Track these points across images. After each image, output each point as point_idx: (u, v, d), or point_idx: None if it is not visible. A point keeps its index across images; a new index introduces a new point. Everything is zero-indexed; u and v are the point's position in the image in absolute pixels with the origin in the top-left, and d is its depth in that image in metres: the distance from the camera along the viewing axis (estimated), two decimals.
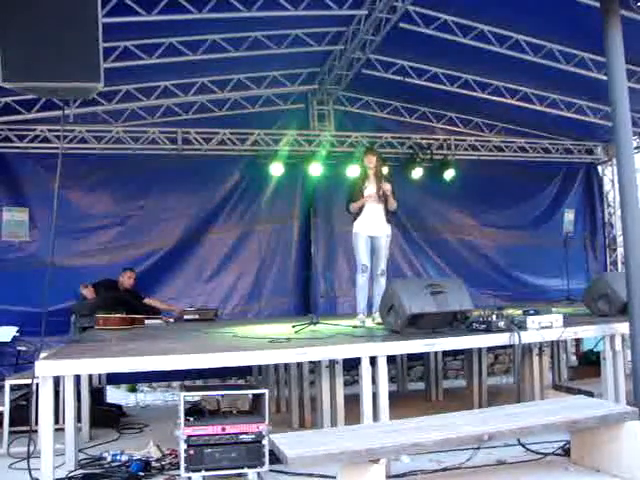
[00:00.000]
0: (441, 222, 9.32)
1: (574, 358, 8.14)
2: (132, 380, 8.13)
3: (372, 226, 6.14)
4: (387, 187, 6.11)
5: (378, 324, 5.59)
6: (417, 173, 8.90)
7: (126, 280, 7.50)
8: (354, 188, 6.29)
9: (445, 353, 7.52)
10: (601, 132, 9.30)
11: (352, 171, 8.19)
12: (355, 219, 6.19)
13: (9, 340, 6.87)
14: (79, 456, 4.77)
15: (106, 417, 6.23)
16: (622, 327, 4.98)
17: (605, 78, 4.90)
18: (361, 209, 6.14)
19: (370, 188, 6.17)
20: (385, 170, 6.49)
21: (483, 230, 9.47)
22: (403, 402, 6.80)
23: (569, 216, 9.89)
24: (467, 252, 9.39)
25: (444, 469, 4.30)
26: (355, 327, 5.78)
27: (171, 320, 7.35)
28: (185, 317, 7.33)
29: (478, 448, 4.25)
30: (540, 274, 9.53)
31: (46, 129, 7.58)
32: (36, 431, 4.27)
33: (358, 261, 6.17)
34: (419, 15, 6.58)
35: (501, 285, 9.32)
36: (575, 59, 7.22)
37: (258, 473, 4.16)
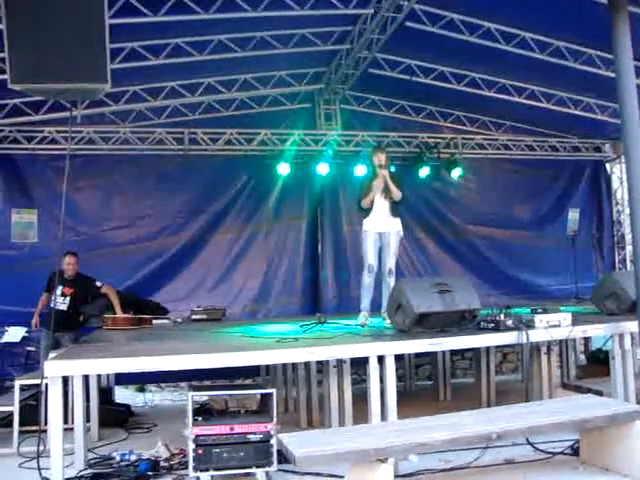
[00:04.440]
0: (446, 221, 9.27)
1: (583, 357, 8.10)
2: (140, 380, 8.12)
3: (380, 223, 6.08)
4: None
5: (390, 324, 5.57)
6: (424, 172, 8.87)
7: (65, 267, 6.67)
8: (363, 187, 6.20)
9: (453, 352, 7.50)
10: (609, 129, 9.21)
11: (359, 170, 8.20)
12: (365, 217, 6.15)
13: (18, 340, 6.90)
14: (88, 456, 4.78)
15: (115, 417, 6.26)
16: (631, 326, 4.96)
17: (613, 75, 4.88)
18: (372, 204, 6.08)
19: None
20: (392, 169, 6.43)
21: (489, 229, 9.39)
22: (411, 401, 6.79)
23: (574, 215, 9.83)
24: (472, 251, 9.32)
25: (452, 468, 4.29)
26: (363, 326, 5.78)
27: (179, 320, 7.37)
28: (193, 317, 7.36)
29: (486, 447, 4.23)
30: (547, 273, 9.48)
31: (54, 130, 7.60)
32: (45, 431, 4.32)
33: (365, 260, 6.12)
34: (425, 14, 6.56)
35: (507, 284, 9.24)
36: (583, 56, 7.17)
37: (266, 473, 4.16)
